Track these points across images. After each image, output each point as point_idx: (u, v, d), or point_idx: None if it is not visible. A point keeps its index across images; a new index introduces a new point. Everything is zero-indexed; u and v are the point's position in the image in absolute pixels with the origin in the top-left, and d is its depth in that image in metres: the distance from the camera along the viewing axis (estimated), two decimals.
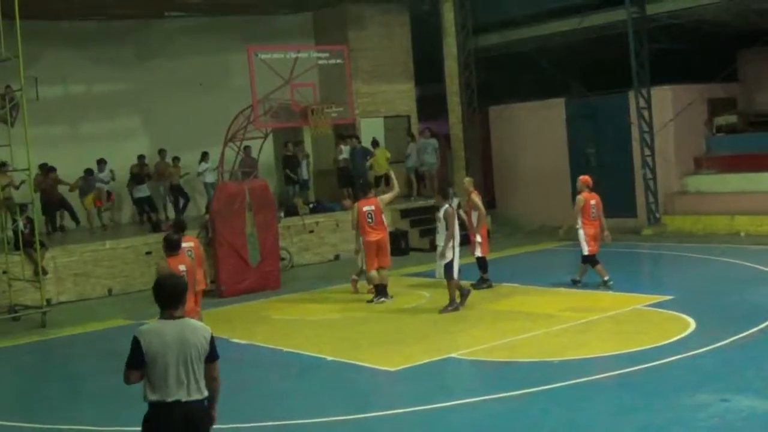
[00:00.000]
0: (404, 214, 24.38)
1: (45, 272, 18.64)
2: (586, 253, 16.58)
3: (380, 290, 16.84)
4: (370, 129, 25.94)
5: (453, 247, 15.10)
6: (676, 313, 13.88)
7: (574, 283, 16.82)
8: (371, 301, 16.78)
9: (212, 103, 23.48)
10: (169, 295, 6.69)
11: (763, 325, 12.73)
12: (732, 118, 25.81)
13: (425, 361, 12.17)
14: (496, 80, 27.66)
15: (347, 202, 23.19)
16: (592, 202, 16.76)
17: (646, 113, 24.37)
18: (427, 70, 27.21)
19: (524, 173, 27.55)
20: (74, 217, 22.75)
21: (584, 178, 17.13)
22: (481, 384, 11.47)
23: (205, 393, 6.71)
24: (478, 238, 17.12)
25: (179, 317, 6.69)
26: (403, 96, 27.06)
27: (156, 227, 21.50)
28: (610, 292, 16.04)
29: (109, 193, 23.49)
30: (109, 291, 19.86)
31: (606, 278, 16.41)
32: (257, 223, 19.30)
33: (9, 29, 16.92)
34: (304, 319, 16.11)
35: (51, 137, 22.78)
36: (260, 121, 19.11)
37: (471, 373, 12.16)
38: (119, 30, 24.43)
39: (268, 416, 10.30)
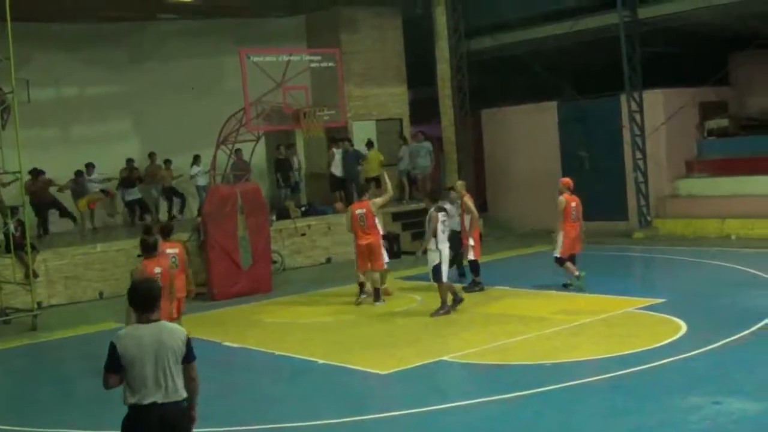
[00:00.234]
0: (396, 217, 24.38)
1: (36, 275, 18.57)
2: (557, 255, 16.73)
3: (375, 293, 16.88)
4: (363, 132, 25.91)
5: (441, 250, 15.11)
6: (668, 316, 13.89)
7: (566, 287, 16.85)
8: (359, 303, 16.82)
9: (205, 106, 23.44)
10: (143, 299, 6.80)
11: (754, 328, 12.75)
12: (723, 122, 25.87)
13: (417, 364, 12.17)
14: (488, 83, 27.70)
15: (339, 205, 23.26)
16: (573, 204, 16.86)
17: (637, 117, 24.41)
18: (419, 73, 27.22)
19: (516, 176, 27.56)
20: (68, 214, 22.65)
21: (565, 180, 17.25)
22: (473, 387, 11.45)
23: (184, 394, 6.77)
24: (471, 242, 17.13)
25: (155, 320, 6.78)
26: (395, 99, 27.04)
27: (148, 230, 21.41)
28: (582, 293, 16.19)
29: (105, 192, 23.48)
30: (100, 294, 19.81)
31: (577, 273, 16.61)
32: (249, 226, 19.27)
33: (0, 31, 16.88)
34: (296, 322, 16.09)
35: (42, 140, 22.71)
36: (252, 124, 19.08)
37: (463, 376, 12.15)
38: (111, 32, 24.38)
39: (260, 419, 10.29)
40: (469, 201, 17.33)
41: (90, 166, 23.09)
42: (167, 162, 24.37)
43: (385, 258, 17.20)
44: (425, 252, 15.48)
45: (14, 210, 18.39)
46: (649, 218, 24.54)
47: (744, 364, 11.19)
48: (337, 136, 24.78)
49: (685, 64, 24.22)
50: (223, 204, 19.17)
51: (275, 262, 21.09)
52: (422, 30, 26.93)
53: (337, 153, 24.69)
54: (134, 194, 23.73)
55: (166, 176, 24.22)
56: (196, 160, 23.77)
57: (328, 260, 23.00)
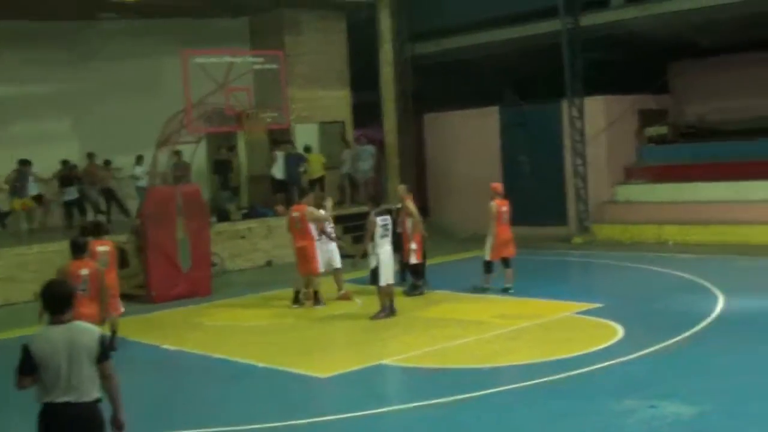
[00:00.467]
0: (337, 220, 24.24)
1: None
2: (487, 258, 16.93)
3: (315, 297, 16.90)
4: (305, 135, 25.86)
5: (379, 254, 15.16)
6: (605, 321, 14.06)
7: (505, 291, 16.99)
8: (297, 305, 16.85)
9: (147, 107, 23.15)
10: (53, 300, 6.83)
11: (688, 333, 12.96)
12: (662, 129, 26.25)
13: (356, 368, 12.19)
14: (431, 88, 27.81)
15: (280, 208, 23.18)
16: (504, 208, 17.12)
17: (578, 123, 24.69)
18: (363, 76, 27.25)
19: (458, 181, 27.67)
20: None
21: (495, 186, 17.53)
22: (412, 390, 11.49)
23: (96, 395, 6.79)
24: (413, 245, 17.19)
25: (68, 321, 6.79)
26: (338, 102, 27.03)
27: (84, 230, 21.15)
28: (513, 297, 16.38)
29: (40, 198, 22.97)
30: (36, 295, 19.50)
31: (487, 286, 16.96)
32: (189, 228, 19.13)
33: None
34: (236, 325, 16.02)
35: None
36: (194, 125, 18.98)
37: (402, 379, 12.19)
38: (52, 31, 24.03)
39: (199, 423, 10.22)
40: (411, 204, 17.39)
41: (25, 164, 22.66)
42: (107, 162, 24.11)
43: (337, 261, 17.26)
44: (365, 256, 15.48)
45: None
46: (587, 224, 24.81)
47: (679, 368, 11.38)
48: (280, 138, 24.72)
49: (626, 71, 24.52)
50: (162, 206, 19.01)
51: (215, 264, 20.95)
52: (367, 33, 26.98)
53: (279, 155, 24.61)
54: (72, 194, 23.39)
55: (105, 177, 23.95)
56: (139, 160, 23.53)
57: (269, 263, 22.91)
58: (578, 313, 14.94)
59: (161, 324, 16.58)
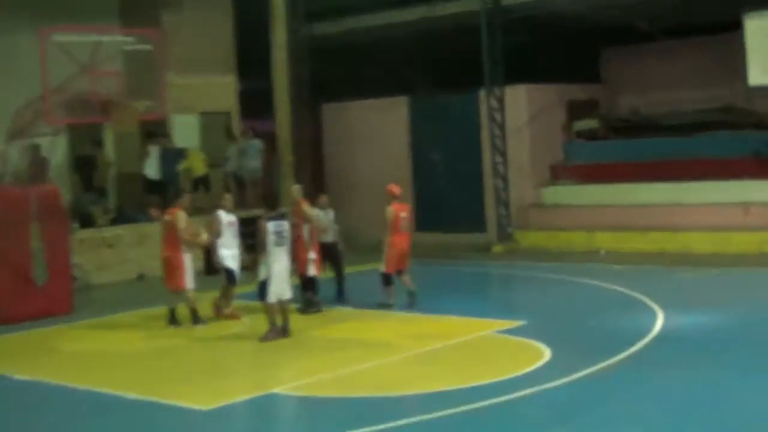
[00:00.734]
0: None
1: None
2: (385, 270, 17.07)
3: (192, 315, 16.72)
4: (184, 127, 25.63)
5: (270, 265, 15.07)
6: (529, 341, 14.15)
7: (411, 296, 17.11)
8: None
9: None
10: None
11: (623, 355, 13.09)
12: (593, 123, 26.64)
13: (243, 398, 12.05)
14: (331, 74, 27.77)
15: (154, 212, 22.86)
16: (403, 214, 17.23)
17: (498, 115, 24.87)
18: (252, 60, 27.11)
19: (361, 181, 27.66)
20: None
21: (391, 188, 17.57)
22: (309, 424, 11.42)
23: None
24: (312, 254, 17.10)
25: None
26: (223, 90, 26.85)
27: None
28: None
29: None
30: None
31: (391, 302, 17.06)
32: (45, 235, 18.77)
33: None
34: (102, 350, 15.77)
35: None
36: (53, 115, 18.64)
37: (297, 411, 12.09)
38: None
39: None
40: (307, 208, 17.32)
41: None
42: None
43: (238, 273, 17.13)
44: (250, 268, 15.44)
45: None
46: (509, 230, 25.02)
47: (613, 394, 11.48)
48: (155, 131, 24.43)
49: (553, 58, 24.83)
50: (12, 209, 18.61)
51: (76, 278, 20.63)
52: (256, 11, 26.83)
53: (154, 151, 24.30)
54: None
55: None
56: None
57: (141, 276, 22.64)
58: (499, 332, 15.01)
59: (11, 349, 16.25)
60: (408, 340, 14.77)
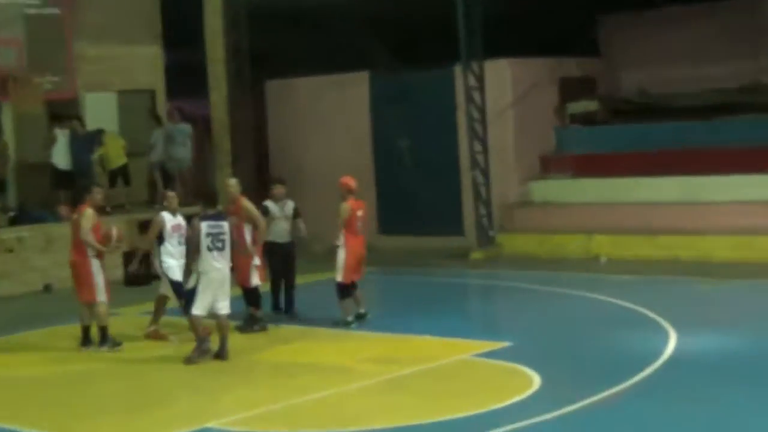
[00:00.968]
0: (144, 226, 24.05)
1: None
2: (340, 279, 17.11)
3: (101, 334, 16.66)
4: (99, 108, 25.53)
5: (202, 272, 15.11)
6: (515, 365, 14.20)
7: (360, 318, 17.24)
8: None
9: None
10: None
11: (628, 383, 13.16)
12: (591, 105, 26.69)
13: None
14: (277, 46, 27.74)
15: (64, 209, 22.80)
16: (359, 212, 17.29)
17: (477, 95, 24.87)
18: (181, 29, 27.03)
19: (313, 173, 27.60)
20: None
21: (346, 181, 17.59)
22: None
23: None
24: (256, 261, 17.08)
25: None
26: (145, 63, 26.82)
27: None
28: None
29: None
30: None
31: (350, 319, 17.12)
32: None
33: None
34: (2, 376, 15.67)
35: None
36: None
37: None
38: None
39: None
40: (249, 205, 17.30)
41: None
42: None
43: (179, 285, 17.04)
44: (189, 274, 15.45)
45: None
46: (491, 233, 25.05)
47: (613, 429, 11.56)
48: (63, 112, 24.35)
49: (542, 27, 24.87)
50: None
51: None
52: None
53: (62, 136, 24.20)
54: None
55: None
56: None
57: (47, 287, 22.57)
58: (479, 355, 15.06)
59: None
60: (370, 365, 14.80)
